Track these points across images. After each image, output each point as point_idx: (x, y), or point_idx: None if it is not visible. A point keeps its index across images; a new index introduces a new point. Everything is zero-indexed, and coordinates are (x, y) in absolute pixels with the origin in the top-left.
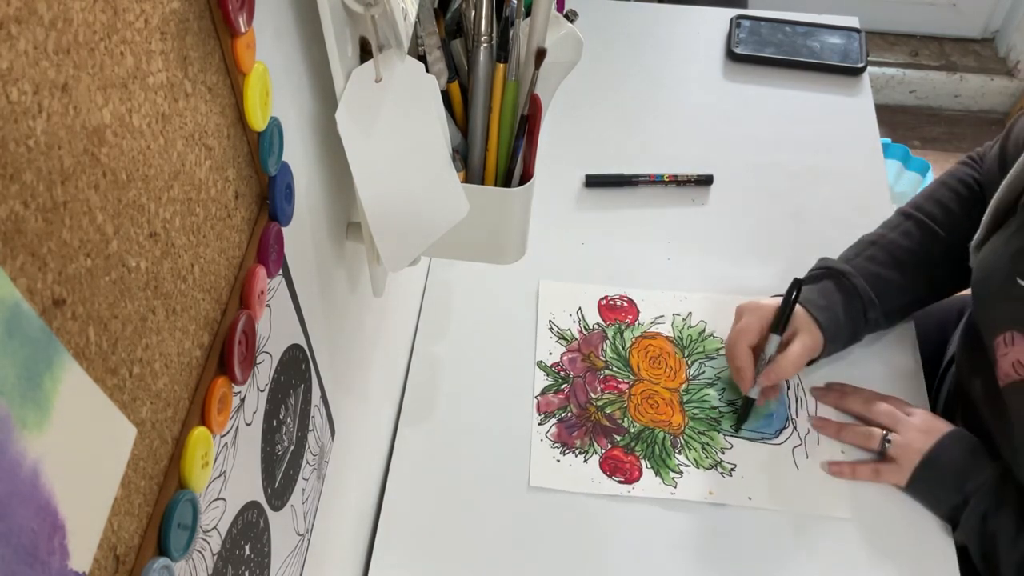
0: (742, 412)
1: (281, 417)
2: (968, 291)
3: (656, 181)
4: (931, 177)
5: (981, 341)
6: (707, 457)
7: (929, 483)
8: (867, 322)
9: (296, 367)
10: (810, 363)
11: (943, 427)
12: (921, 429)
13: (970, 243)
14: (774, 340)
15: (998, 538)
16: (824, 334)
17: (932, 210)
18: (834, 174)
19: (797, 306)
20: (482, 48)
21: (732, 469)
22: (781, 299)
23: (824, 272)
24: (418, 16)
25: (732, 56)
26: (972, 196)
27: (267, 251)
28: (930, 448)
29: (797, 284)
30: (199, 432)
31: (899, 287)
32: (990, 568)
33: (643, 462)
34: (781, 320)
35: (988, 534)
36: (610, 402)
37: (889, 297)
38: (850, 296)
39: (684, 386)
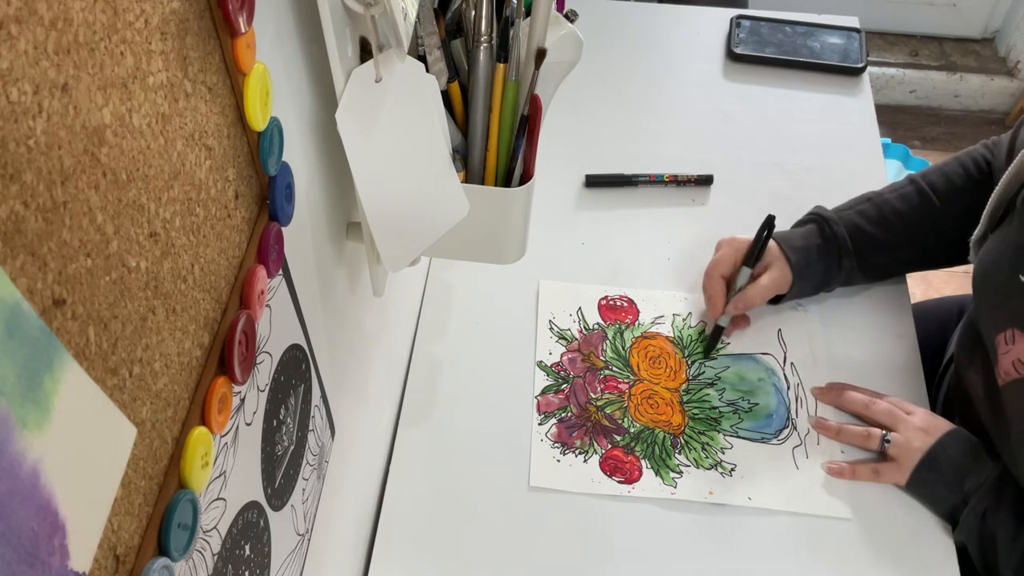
0: (711, 340)
1: (281, 417)
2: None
3: (656, 181)
4: None
5: (981, 339)
6: (707, 457)
7: (929, 482)
8: (840, 269)
9: (296, 367)
10: (777, 301)
11: (943, 426)
12: (921, 428)
13: (971, 234)
14: (745, 272)
15: (997, 537)
16: (793, 272)
17: (936, 181)
18: (834, 174)
19: (772, 243)
20: (482, 48)
21: (732, 469)
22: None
23: (811, 217)
24: (418, 16)
25: (732, 56)
26: (980, 177)
27: (267, 251)
28: (930, 447)
29: (770, 220)
30: (199, 432)
31: (880, 245)
32: (989, 567)
33: (643, 462)
34: (752, 253)
35: (987, 533)
36: (610, 402)
37: (867, 251)
38: (828, 241)
39: (684, 386)
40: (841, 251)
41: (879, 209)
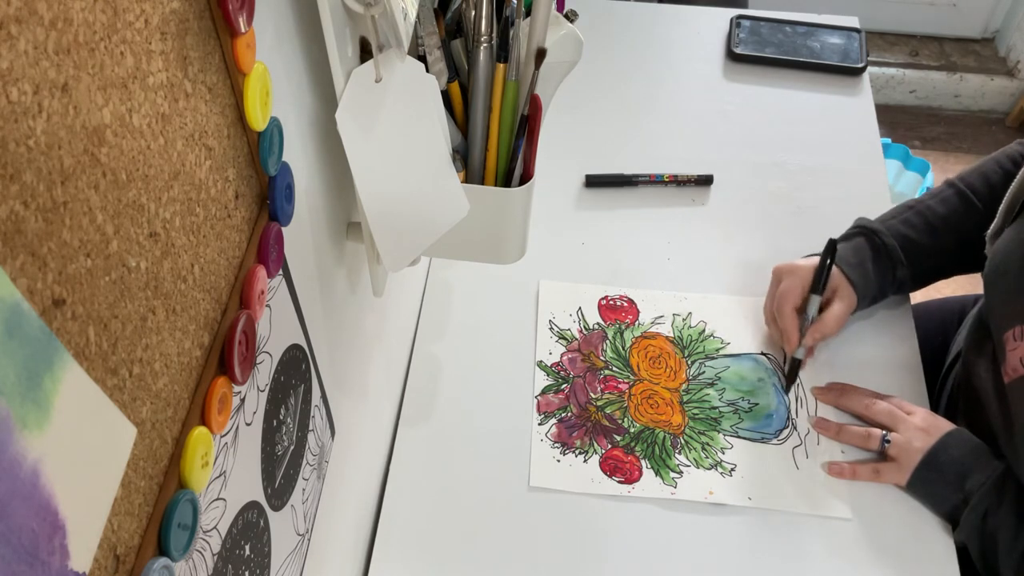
0: (790, 373)
1: (281, 417)
2: (969, 290)
3: (656, 181)
4: (931, 177)
5: (989, 336)
6: (707, 457)
7: (929, 482)
8: (894, 280)
9: (296, 367)
10: None
11: (944, 426)
12: (921, 428)
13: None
14: (815, 300)
15: (998, 537)
16: (856, 292)
17: (975, 183)
18: (834, 174)
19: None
20: (482, 48)
21: (732, 469)
22: (815, 259)
23: (858, 231)
24: (418, 16)
25: (732, 56)
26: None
27: (267, 251)
28: (930, 447)
29: (833, 245)
30: (199, 432)
31: (928, 251)
32: (990, 567)
33: (643, 462)
34: (820, 281)
35: (988, 533)
36: (610, 402)
37: (918, 259)
38: (879, 254)
39: (684, 386)
40: (894, 262)
41: (923, 216)
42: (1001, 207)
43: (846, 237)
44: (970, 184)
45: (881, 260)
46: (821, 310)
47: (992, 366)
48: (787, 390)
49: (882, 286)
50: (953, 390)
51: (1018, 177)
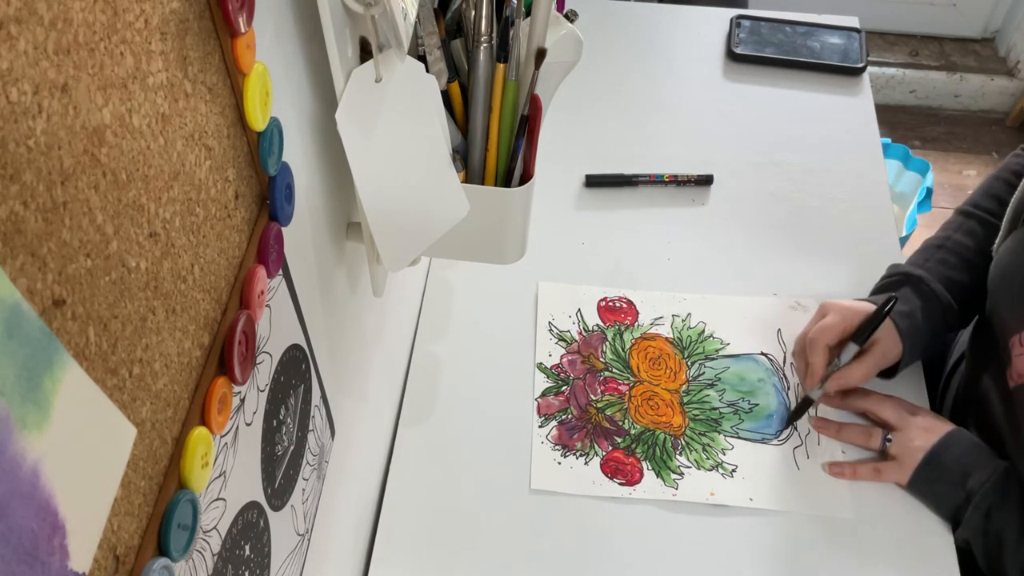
0: (799, 408)
1: (281, 417)
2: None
3: (656, 181)
4: (931, 177)
5: (994, 341)
6: (708, 458)
7: (931, 481)
8: (946, 325)
9: (296, 367)
10: (886, 376)
11: (945, 426)
12: (923, 427)
13: None
14: (851, 349)
15: (1003, 535)
16: (904, 341)
17: (990, 205)
18: (834, 174)
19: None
20: (482, 48)
21: (733, 470)
22: (868, 304)
23: (901, 278)
24: (418, 16)
25: (732, 56)
26: None
27: (267, 251)
28: (932, 446)
29: (892, 300)
30: (199, 432)
31: (972, 288)
32: (993, 566)
33: (644, 464)
34: (866, 332)
35: (992, 531)
36: (610, 404)
37: (964, 299)
38: (929, 301)
39: (684, 387)
40: (944, 308)
41: (958, 255)
42: (1005, 219)
43: (888, 285)
44: (987, 209)
45: (931, 307)
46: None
47: (997, 371)
48: (788, 424)
49: (934, 335)
50: (957, 394)
51: (1020, 187)
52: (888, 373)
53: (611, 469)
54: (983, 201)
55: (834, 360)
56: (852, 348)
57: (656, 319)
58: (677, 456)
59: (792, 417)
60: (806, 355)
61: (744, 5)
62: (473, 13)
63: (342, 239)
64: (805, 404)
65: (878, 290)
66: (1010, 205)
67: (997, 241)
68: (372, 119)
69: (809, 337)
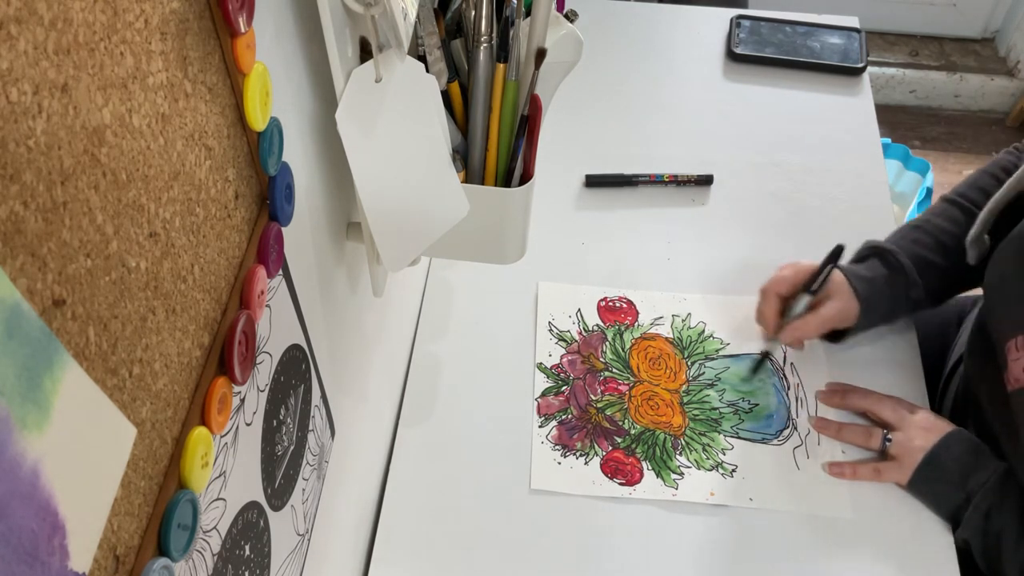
0: (756, 364)
1: (281, 417)
2: (969, 293)
3: (656, 181)
4: (931, 177)
5: (991, 345)
6: (708, 458)
7: (931, 480)
8: (908, 300)
9: (296, 367)
10: (839, 339)
11: (945, 426)
12: (923, 427)
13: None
14: (803, 299)
15: (1002, 535)
16: (860, 304)
17: (975, 196)
18: (834, 174)
19: (838, 273)
20: (482, 48)
21: (733, 470)
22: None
23: (871, 251)
24: (418, 16)
25: (732, 56)
26: None
27: (267, 251)
28: (933, 446)
29: (838, 249)
30: (199, 432)
31: (942, 269)
32: (993, 566)
33: (644, 464)
34: (814, 280)
35: (992, 532)
36: (610, 404)
37: (932, 279)
38: (895, 272)
39: (684, 387)
40: (909, 282)
41: (933, 236)
42: (983, 213)
43: (858, 259)
44: (971, 199)
45: (896, 278)
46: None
47: (995, 374)
48: (750, 379)
49: (894, 305)
50: (957, 394)
51: (1008, 183)
52: (837, 336)
53: (611, 469)
54: (969, 192)
55: (787, 311)
56: (804, 298)
57: (656, 319)
58: (677, 456)
59: (753, 371)
60: (761, 306)
61: (744, 5)
62: (473, 13)
63: (342, 239)
64: (762, 359)
65: (853, 262)
66: (988, 204)
67: (970, 237)
68: (372, 119)
69: (761, 288)
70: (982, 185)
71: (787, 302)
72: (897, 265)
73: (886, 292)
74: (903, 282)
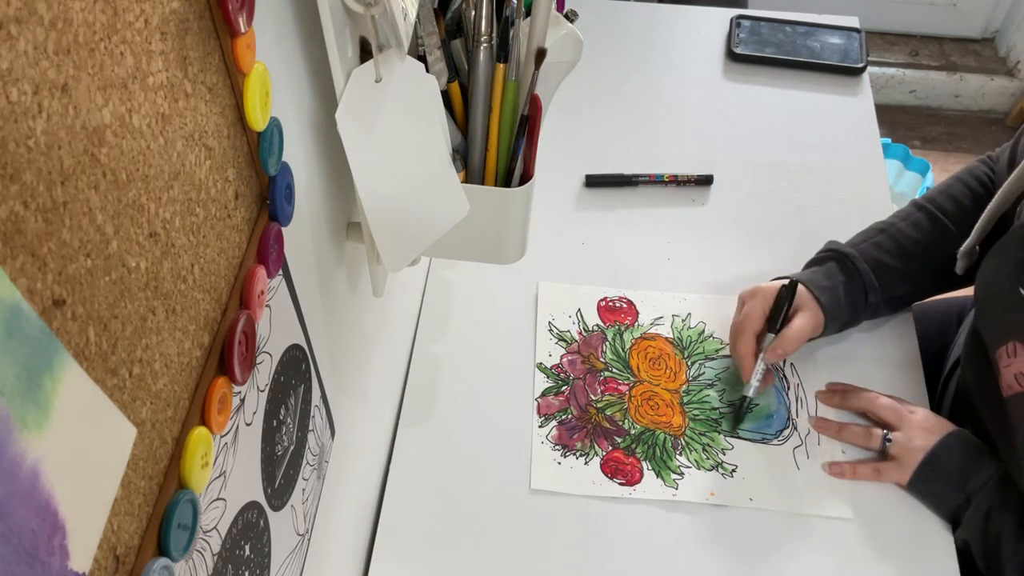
0: (738, 412)
1: (281, 417)
2: (969, 291)
3: (656, 181)
4: (931, 177)
5: (985, 350)
6: (708, 458)
7: (931, 481)
8: (867, 305)
9: (296, 367)
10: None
11: (945, 426)
12: (923, 427)
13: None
14: (770, 339)
15: (1002, 535)
16: (825, 314)
17: (944, 204)
18: (834, 174)
19: (800, 286)
20: (482, 48)
21: (733, 470)
22: (780, 283)
23: (830, 254)
24: (418, 16)
25: (732, 56)
26: (985, 193)
27: (267, 251)
28: (933, 446)
29: (793, 286)
30: (199, 432)
31: (901, 275)
32: (992, 567)
33: (644, 464)
34: (778, 318)
35: (991, 532)
36: (610, 404)
37: (890, 284)
38: (852, 278)
39: (684, 387)
40: (866, 287)
41: (895, 240)
42: (977, 225)
43: (817, 261)
44: (940, 206)
45: (854, 284)
46: (783, 327)
47: (988, 380)
48: (732, 429)
49: (854, 311)
50: (957, 394)
51: (999, 193)
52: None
53: (611, 469)
54: (939, 198)
55: (761, 351)
56: (770, 338)
57: (656, 319)
58: (677, 456)
59: (735, 420)
60: (737, 347)
61: (744, 5)
62: (473, 13)
63: (342, 239)
64: (743, 404)
65: (809, 264)
66: (983, 215)
67: (963, 248)
68: (372, 119)
69: (734, 325)
70: (953, 193)
71: (761, 334)
72: (853, 271)
73: (846, 299)
74: (861, 288)
